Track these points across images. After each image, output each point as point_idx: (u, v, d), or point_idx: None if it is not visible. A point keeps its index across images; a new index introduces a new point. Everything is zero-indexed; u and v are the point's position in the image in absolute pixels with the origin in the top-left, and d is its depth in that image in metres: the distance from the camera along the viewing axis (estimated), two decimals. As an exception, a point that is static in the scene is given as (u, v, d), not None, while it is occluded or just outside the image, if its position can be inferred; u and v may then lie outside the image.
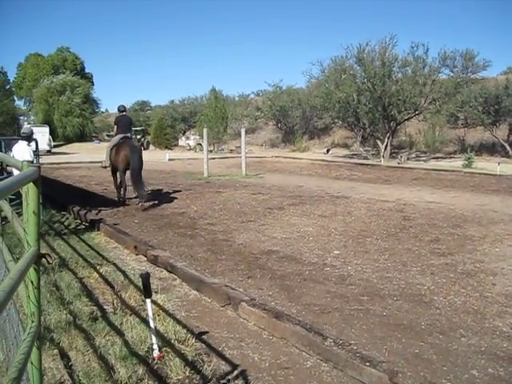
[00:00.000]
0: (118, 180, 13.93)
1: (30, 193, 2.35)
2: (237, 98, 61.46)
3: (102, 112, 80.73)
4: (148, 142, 53.32)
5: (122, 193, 13.92)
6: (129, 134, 14.06)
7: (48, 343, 4.72)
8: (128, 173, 13.38)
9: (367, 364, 4.19)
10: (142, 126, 60.49)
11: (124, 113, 14.60)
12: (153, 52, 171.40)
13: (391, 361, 4.37)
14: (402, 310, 5.65)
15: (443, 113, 32.12)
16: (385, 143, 32.35)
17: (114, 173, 14.14)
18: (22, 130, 11.64)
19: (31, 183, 2.33)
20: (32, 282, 2.37)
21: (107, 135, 73.47)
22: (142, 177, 13.34)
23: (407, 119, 33.04)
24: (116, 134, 14.00)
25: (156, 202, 13.90)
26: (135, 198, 13.97)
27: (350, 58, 33.08)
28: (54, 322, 5.28)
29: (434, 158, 33.16)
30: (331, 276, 7.00)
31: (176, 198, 14.73)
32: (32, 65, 73.29)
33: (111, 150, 13.77)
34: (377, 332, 5.05)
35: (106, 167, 14.47)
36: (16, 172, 5.26)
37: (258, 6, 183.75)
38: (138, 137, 52.52)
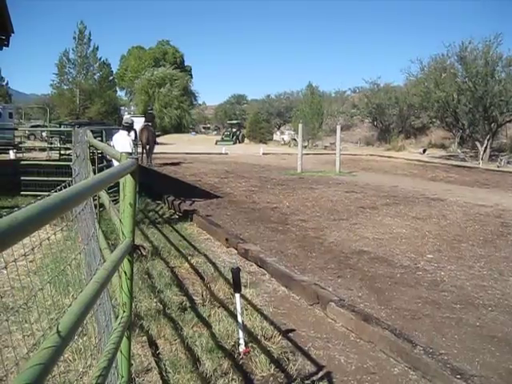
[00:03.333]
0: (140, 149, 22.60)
1: (127, 184, 2.39)
2: (333, 95, 60.96)
3: (200, 104, 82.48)
4: (243, 135, 53.92)
5: (142, 157, 22.55)
6: (150, 123, 23.82)
7: (138, 330, 4.84)
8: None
9: (458, 376, 4.00)
10: (238, 119, 61.18)
11: (150, 110, 29.08)
12: (251, 46, 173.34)
13: (484, 375, 4.16)
14: (496, 322, 5.38)
15: (548, 115, 30.56)
16: (484, 145, 31.15)
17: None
18: (124, 121, 12.06)
19: (129, 175, 2.36)
20: (125, 273, 2.40)
21: (204, 127, 75.09)
22: (153, 149, 23.26)
23: (509, 121, 31.64)
24: (144, 122, 24.15)
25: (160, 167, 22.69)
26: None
27: (451, 57, 32.20)
28: (144, 309, 5.42)
29: (536, 163, 31.59)
30: (423, 281, 6.79)
31: (269, 193, 14.79)
32: (134, 57, 75.96)
33: (139, 131, 22.25)
34: (469, 343, 4.83)
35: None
36: (116, 162, 5.40)
37: (356, 5, 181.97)
38: (234, 130, 53.21)
